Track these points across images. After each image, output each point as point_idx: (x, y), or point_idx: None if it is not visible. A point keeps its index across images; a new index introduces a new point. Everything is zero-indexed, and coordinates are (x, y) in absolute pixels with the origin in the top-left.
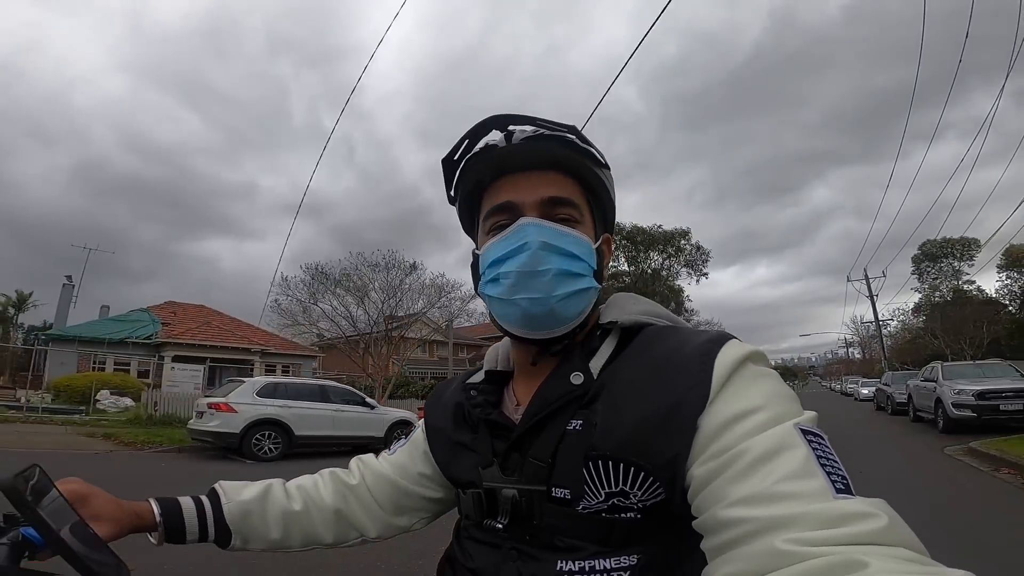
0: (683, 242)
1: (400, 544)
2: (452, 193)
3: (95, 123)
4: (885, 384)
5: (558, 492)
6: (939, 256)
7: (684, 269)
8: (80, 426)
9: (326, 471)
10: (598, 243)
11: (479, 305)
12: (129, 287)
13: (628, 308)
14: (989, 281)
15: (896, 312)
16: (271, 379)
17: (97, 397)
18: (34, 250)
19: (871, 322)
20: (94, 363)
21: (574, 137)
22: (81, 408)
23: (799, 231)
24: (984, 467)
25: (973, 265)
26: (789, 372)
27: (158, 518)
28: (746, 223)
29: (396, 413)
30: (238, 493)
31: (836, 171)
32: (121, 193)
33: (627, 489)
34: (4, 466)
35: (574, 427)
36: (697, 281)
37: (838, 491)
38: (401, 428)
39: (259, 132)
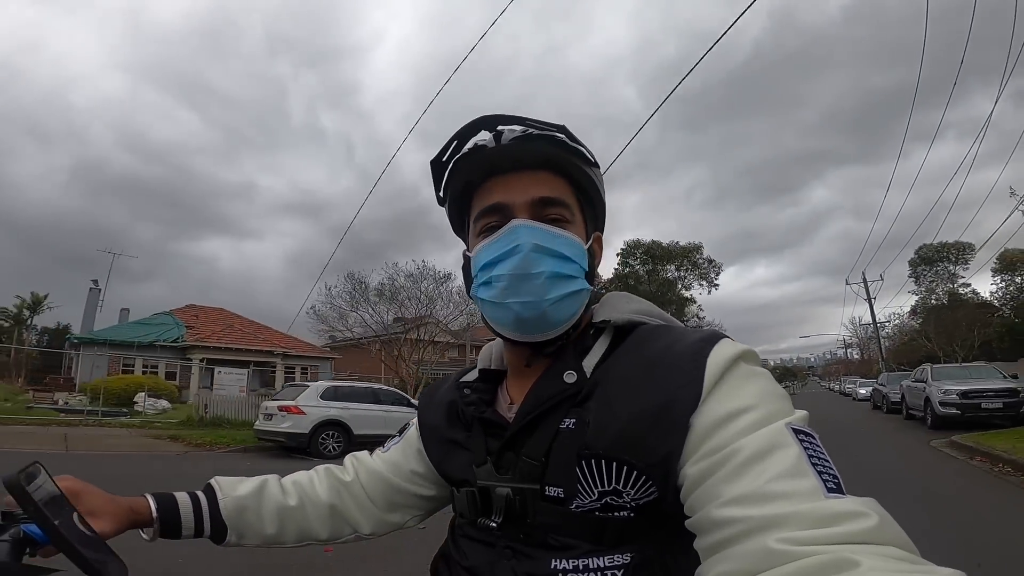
0: (697, 256)
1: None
2: (441, 194)
3: (93, 122)
4: (881, 384)
5: (551, 491)
6: (935, 260)
7: (696, 281)
8: (138, 428)
9: (321, 467)
10: (589, 243)
11: None
12: (128, 287)
13: (621, 307)
14: (985, 284)
15: (892, 316)
16: (331, 383)
17: (135, 399)
18: (34, 250)
19: (869, 324)
20: (124, 366)
21: (564, 136)
22: (124, 410)
23: (798, 231)
24: (961, 456)
25: (968, 268)
26: (788, 372)
27: (154, 513)
28: (745, 223)
29: None
30: (234, 489)
31: (835, 171)
32: (119, 193)
33: (620, 488)
34: (102, 467)
35: (567, 426)
36: (709, 292)
37: (829, 490)
38: None
39: (258, 132)
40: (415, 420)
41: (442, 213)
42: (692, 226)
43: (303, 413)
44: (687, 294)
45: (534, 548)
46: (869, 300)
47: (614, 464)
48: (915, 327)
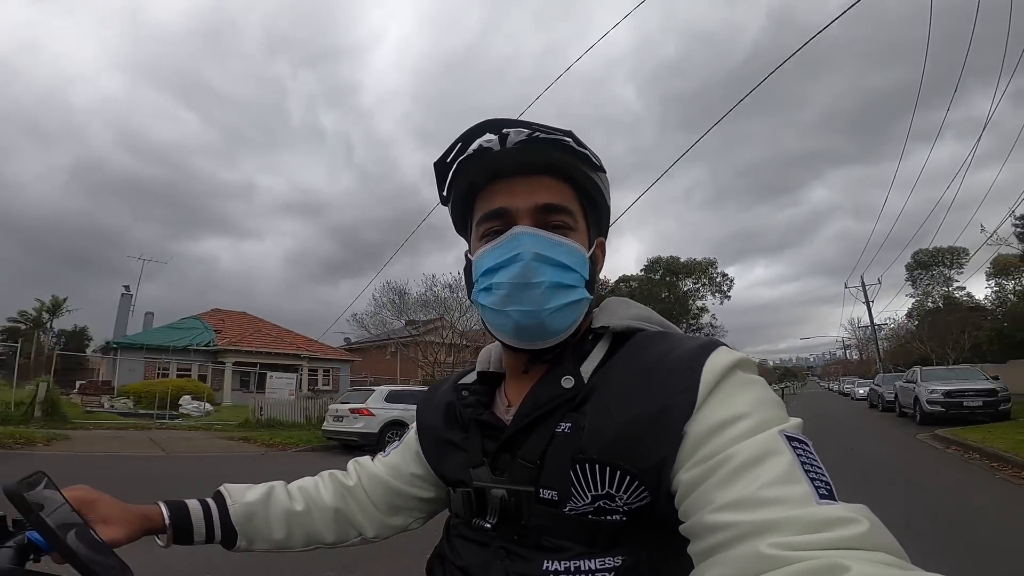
0: (712, 270)
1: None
2: (444, 194)
3: (92, 122)
4: (877, 385)
5: (546, 493)
6: (930, 264)
7: (710, 293)
8: (204, 430)
9: (325, 473)
10: (591, 250)
11: None
12: (123, 287)
13: (620, 313)
14: (980, 287)
15: (888, 320)
16: (393, 388)
17: (180, 402)
18: (33, 250)
19: (867, 326)
20: (159, 370)
21: (570, 140)
22: (175, 413)
23: (797, 231)
24: (940, 447)
25: (963, 273)
26: (789, 372)
27: (167, 520)
28: (745, 223)
29: None
30: (242, 495)
31: (834, 171)
32: (118, 193)
33: (612, 492)
34: (212, 468)
35: (563, 430)
36: (721, 302)
37: (821, 497)
38: None
39: (257, 132)
40: (414, 424)
41: (441, 213)
42: (691, 226)
43: (372, 415)
44: (700, 303)
45: (527, 549)
46: (867, 304)
47: (608, 469)
48: (911, 329)
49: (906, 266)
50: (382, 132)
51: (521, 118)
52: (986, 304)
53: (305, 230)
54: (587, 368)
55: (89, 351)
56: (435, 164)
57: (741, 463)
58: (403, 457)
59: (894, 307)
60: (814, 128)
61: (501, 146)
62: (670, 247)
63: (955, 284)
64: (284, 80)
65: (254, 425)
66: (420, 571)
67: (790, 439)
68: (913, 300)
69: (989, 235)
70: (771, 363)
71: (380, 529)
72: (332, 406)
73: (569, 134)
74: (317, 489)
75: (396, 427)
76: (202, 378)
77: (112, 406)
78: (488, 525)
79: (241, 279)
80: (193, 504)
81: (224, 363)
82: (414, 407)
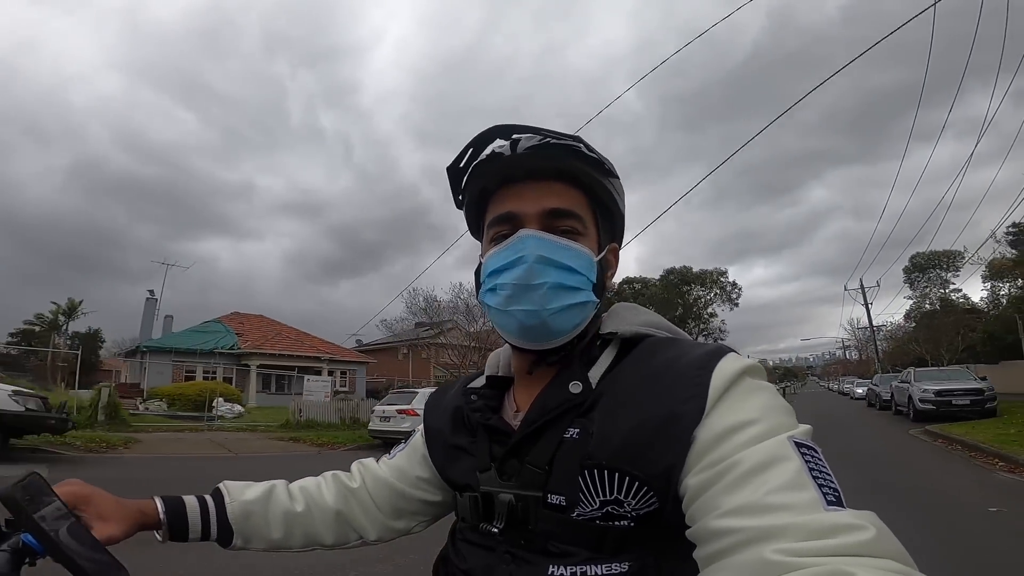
0: (723, 280)
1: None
2: (459, 198)
3: (91, 122)
4: (874, 385)
5: (554, 499)
6: (927, 267)
7: (719, 300)
8: (249, 431)
9: (329, 474)
10: (602, 255)
11: None
12: (128, 288)
13: (628, 319)
14: (977, 289)
15: (887, 322)
16: (434, 390)
17: (214, 404)
18: (33, 251)
19: (866, 327)
20: (187, 372)
21: (581, 146)
22: (210, 416)
23: (797, 231)
24: (929, 440)
25: (959, 276)
26: (789, 372)
27: (162, 516)
28: (744, 223)
29: None
30: (241, 493)
31: (833, 171)
32: (117, 192)
33: (621, 498)
34: (284, 467)
35: (571, 435)
36: (731, 309)
37: (829, 503)
38: None
39: (256, 131)
40: (420, 427)
41: (442, 213)
42: (691, 226)
43: (418, 415)
44: (710, 310)
45: (534, 554)
46: (866, 306)
47: (616, 475)
48: (909, 331)
49: (903, 269)
50: (381, 132)
51: (531, 123)
52: (981, 306)
53: (304, 230)
54: (595, 373)
55: (102, 353)
56: (448, 169)
57: (748, 468)
58: (409, 460)
59: (893, 309)
60: (814, 128)
61: (512, 151)
62: (670, 247)
63: (951, 286)
64: (283, 80)
65: (294, 426)
66: (425, 573)
67: (799, 445)
68: (911, 302)
69: (990, 235)
70: (771, 363)
71: (383, 532)
72: (377, 407)
73: (579, 140)
74: (319, 490)
75: None
76: (227, 380)
77: (147, 408)
78: (495, 530)
79: (241, 279)
80: (190, 500)
81: (249, 366)
82: None
